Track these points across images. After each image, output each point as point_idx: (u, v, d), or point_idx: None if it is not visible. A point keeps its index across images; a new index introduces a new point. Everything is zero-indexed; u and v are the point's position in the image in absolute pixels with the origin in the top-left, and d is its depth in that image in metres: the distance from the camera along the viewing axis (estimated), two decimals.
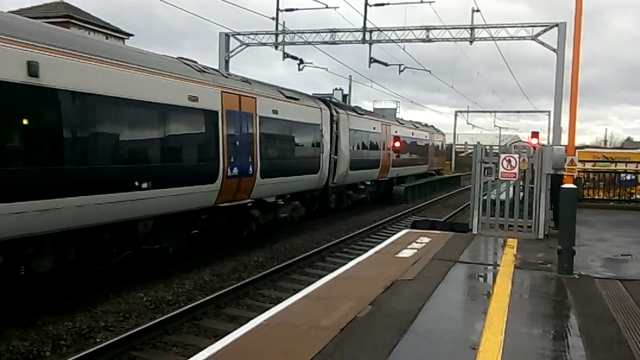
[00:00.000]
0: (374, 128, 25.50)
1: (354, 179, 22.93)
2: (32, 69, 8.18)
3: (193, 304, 9.51)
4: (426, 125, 39.98)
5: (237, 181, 13.61)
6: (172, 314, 8.94)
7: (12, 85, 7.95)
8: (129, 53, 10.84)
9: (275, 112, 15.60)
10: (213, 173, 12.64)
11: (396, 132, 29.16)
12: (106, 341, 7.80)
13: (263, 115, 14.85)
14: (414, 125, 35.61)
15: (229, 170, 13.12)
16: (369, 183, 24.97)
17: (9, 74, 7.90)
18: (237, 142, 13.57)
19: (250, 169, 14.19)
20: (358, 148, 23.09)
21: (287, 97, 16.83)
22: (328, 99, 23.92)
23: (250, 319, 6.45)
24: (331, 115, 20.13)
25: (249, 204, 14.54)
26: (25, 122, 8.34)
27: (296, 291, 8.24)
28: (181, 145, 11.91)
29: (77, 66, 9.07)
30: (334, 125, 20.34)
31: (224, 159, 12.92)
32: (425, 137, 37.05)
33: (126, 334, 7.98)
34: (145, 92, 10.58)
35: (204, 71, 13.01)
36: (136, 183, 10.25)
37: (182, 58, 12.96)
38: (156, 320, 8.61)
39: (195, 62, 13.22)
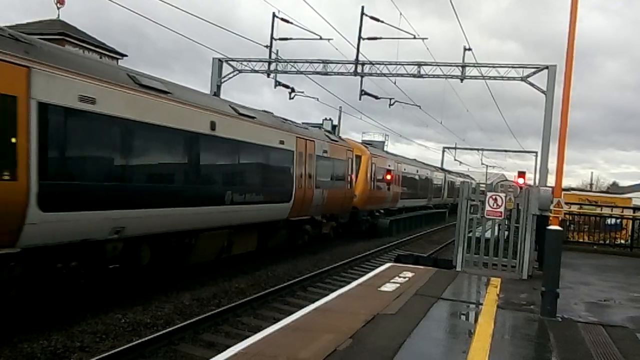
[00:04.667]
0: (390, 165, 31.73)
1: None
2: (212, 126, 13.18)
3: (171, 329, 9.35)
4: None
5: (301, 202, 18.03)
6: (149, 337, 8.78)
7: (209, 137, 13.07)
8: (257, 114, 16.12)
9: (325, 152, 20.58)
10: (289, 194, 17.43)
11: (405, 169, 35.00)
12: None
13: (318, 154, 19.83)
14: (419, 163, 42.00)
15: (299, 192, 17.90)
16: (382, 210, 30.29)
17: (205, 130, 12.90)
18: (302, 174, 18.25)
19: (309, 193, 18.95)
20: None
21: (332, 140, 22.26)
22: (365, 144, 29.96)
23: (229, 346, 6.33)
24: (359, 156, 25.78)
25: (305, 220, 19.09)
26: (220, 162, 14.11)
27: (276, 320, 8.12)
28: (275, 173, 16.81)
29: (241, 125, 14.64)
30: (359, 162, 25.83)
31: (295, 185, 17.69)
32: (427, 174, 43.10)
33: (101, 356, 7.79)
34: (265, 138, 15.96)
35: (284, 121, 18.06)
36: (240, 198, 14.58)
37: (266, 110, 17.67)
38: (132, 343, 8.45)
39: (272, 113, 17.91)
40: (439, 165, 57.16)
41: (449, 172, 56.09)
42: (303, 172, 18.25)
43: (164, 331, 9.19)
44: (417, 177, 38.98)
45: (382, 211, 29.72)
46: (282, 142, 16.85)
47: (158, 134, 11.36)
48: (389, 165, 30.94)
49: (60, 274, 9.46)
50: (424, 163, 44.49)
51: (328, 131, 23.91)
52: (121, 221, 10.37)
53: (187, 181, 12.58)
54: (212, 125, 13.09)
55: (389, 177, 30.55)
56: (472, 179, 54.95)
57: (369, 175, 26.92)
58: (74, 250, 9.60)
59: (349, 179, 23.28)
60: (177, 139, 12.09)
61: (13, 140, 8.18)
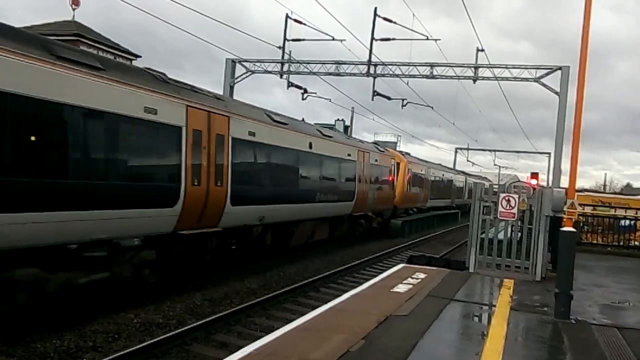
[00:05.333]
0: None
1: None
2: (310, 145, 18.20)
3: (183, 329, 9.38)
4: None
5: (360, 200, 22.69)
6: (161, 337, 8.82)
7: (308, 153, 18.15)
8: (334, 134, 22.00)
9: (376, 160, 25.45)
10: (352, 195, 22.10)
11: (433, 173, 40.02)
12: None
13: (372, 163, 24.58)
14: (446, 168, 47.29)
15: (359, 193, 22.58)
16: (415, 209, 35.22)
17: (306, 148, 17.89)
18: (361, 178, 22.98)
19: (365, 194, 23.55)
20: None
21: (380, 150, 27.39)
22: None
23: (241, 347, 6.35)
24: (398, 163, 30.39)
25: (361, 215, 23.83)
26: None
27: (288, 321, 8.14)
28: (344, 178, 21.60)
29: (326, 143, 19.80)
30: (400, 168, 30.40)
31: (357, 187, 22.46)
32: (450, 177, 47.83)
33: (113, 356, 7.84)
34: (339, 152, 21.12)
35: (349, 138, 24.78)
36: (324, 197, 19.32)
37: (331, 128, 24.01)
38: (145, 343, 8.48)
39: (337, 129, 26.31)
40: (455, 168, 58.80)
41: (469, 174, 58.56)
42: (362, 177, 23.16)
43: (176, 331, 9.23)
44: (443, 180, 43.90)
45: (415, 209, 34.51)
46: (349, 155, 22.07)
47: (284, 152, 16.49)
48: (421, 170, 36.13)
49: (229, 246, 14.41)
50: (447, 167, 50.17)
51: (375, 143, 31.03)
52: (262, 213, 15.17)
53: (297, 185, 17.58)
54: (310, 145, 18.24)
55: (421, 180, 35.84)
56: (489, 180, 56.00)
57: (406, 179, 31.64)
58: (237, 231, 14.36)
59: (391, 182, 28.30)
60: (292, 155, 17.20)
61: (221, 162, 13.03)
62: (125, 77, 10.37)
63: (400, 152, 34.49)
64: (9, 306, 8.55)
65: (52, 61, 8.77)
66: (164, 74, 12.27)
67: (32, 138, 8.57)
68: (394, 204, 29.03)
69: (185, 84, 12.69)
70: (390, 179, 28.14)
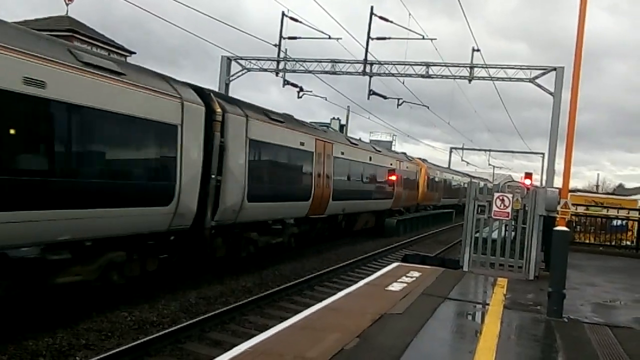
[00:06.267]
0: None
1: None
2: (370, 158, 25.72)
3: (177, 327, 9.36)
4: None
5: (397, 198, 30.11)
6: (155, 335, 8.80)
7: (369, 164, 25.45)
8: (382, 149, 30.31)
9: (407, 167, 33.48)
10: (392, 194, 29.11)
11: (445, 176, 48.54)
12: None
13: (403, 169, 32.00)
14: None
15: (396, 193, 29.92)
16: (431, 206, 42.80)
17: (368, 161, 25.44)
18: (397, 181, 29.78)
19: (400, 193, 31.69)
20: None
21: (408, 158, 35.66)
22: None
23: (235, 345, 6.35)
24: (420, 168, 39.02)
25: (396, 210, 31.31)
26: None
27: (283, 319, 8.14)
28: (387, 181, 28.10)
29: (379, 156, 27.38)
30: None
31: (395, 188, 29.38)
32: (458, 179, 54.69)
33: (106, 354, 7.83)
34: (386, 162, 28.47)
35: (389, 150, 34.01)
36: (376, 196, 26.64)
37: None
38: (138, 342, 8.45)
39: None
40: (461, 171, 62.71)
41: (473, 177, 59.75)
42: (398, 180, 29.74)
43: (170, 329, 9.20)
44: (452, 181, 51.66)
45: (431, 206, 41.62)
46: (391, 164, 29.11)
47: (356, 165, 23.27)
48: (437, 174, 43.98)
49: (329, 226, 21.18)
50: (455, 170, 58.35)
51: (404, 153, 36.99)
52: (344, 206, 21.70)
53: (362, 187, 24.16)
54: (370, 158, 25.41)
55: (436, 182, 43.25)
56: (490, 182, 57.39)
57: (426, 181, 38.70)
58: (331, 218, 20.79)
59: (416, 184, 36.04)
60: (360, 166, 23.89)
61: (328, 173, 19.85)
62: (295, 126, 17.59)
63: (420, 158, 40.72)
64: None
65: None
66: (292, 116, 18.43)
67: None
68: (417, 201, 36.88)
69: (304, 122, 19.50)
70: (415, 181, 35.90)
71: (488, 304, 9.11)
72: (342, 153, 21.17)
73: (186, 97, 11.55)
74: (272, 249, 16.44)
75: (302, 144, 17.52)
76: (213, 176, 12.39)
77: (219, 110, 12.56)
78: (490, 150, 69.90)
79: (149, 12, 16.75)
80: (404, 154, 36.53)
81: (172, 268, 12.31)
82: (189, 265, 12.98)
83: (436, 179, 43.11)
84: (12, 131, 7.93)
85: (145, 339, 8.57)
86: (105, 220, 9.49)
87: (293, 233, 17.67)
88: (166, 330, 9.12)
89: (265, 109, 15.91)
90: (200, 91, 12.52)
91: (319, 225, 19.95)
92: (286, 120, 16.89)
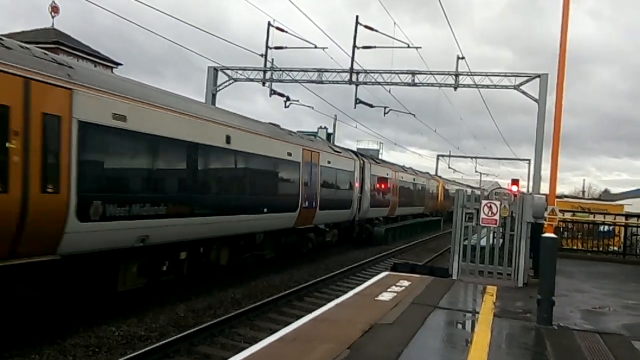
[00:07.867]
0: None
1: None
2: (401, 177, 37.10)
3: (165, 341, 9.26)
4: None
5: (428, 206, 43.80)
6: (143, 350, 8.70)
7: (409, 182, 38.19)
8: (413, 172, 41.00)
9: (437, 186, 49.33)
10: (423, 202, 42.07)
11: (451, 187, 54.65)
12: None
13: (432, 184, 47.52)
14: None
15: (428, 202, 44.74)
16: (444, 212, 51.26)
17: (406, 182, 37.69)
18: (429, 192, 45.24)
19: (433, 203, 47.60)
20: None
21: (431, 175, 48.75)
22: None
23: (224, 358, 6.29)
24: (438, 184, 49.72)
25: (427, 214, 43.60)
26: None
27: (273, 331, 8.08)
28: (419, 193, 41.22)
29: (409, 176, 38.52)
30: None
31: (426, 196, 43.86)
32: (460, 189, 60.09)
33: None
34: (419, 181, 41.44)
35: (419, 171, 43.53)
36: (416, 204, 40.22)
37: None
38: (126, 357, 8.35)
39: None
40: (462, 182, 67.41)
41: (471, 186, 62.86)
42: (428, 192, 40.70)
43: (158, 344, 9.10)
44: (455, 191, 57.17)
45: (444, 213, 49.02)
46: (423, 180, 38.99)
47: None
48: (448, 187, 53.51)
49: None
50: (460, 183, 64.11)
51: (429, 173, 49.90)
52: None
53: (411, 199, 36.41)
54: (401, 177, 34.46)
55: (448, 193, 51.67)
56: (484, 190, 59.15)
57: (443, 193, 50.76)
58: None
59: (436, 197, 48.42)
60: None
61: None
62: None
63: (436, 175, 52.01)
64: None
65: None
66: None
67: None
68: (437, 208, 48.18)
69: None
70: (436, 194, 48.27)
71: (478, 313, 9.09)
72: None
73: (354, 157, 25.75)
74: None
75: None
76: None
77: (362, 161, 26.81)
78: (476, 157, 70.37)
79: (131, 22, 16.74)
80: (428, 172, 49.21)
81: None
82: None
83: (447, 190, 53.31)
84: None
85: (133, 354, 8.47)
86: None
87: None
88: (154, 345, 9.02)
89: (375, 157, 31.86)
90: (354, 152, 27.78)
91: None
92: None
